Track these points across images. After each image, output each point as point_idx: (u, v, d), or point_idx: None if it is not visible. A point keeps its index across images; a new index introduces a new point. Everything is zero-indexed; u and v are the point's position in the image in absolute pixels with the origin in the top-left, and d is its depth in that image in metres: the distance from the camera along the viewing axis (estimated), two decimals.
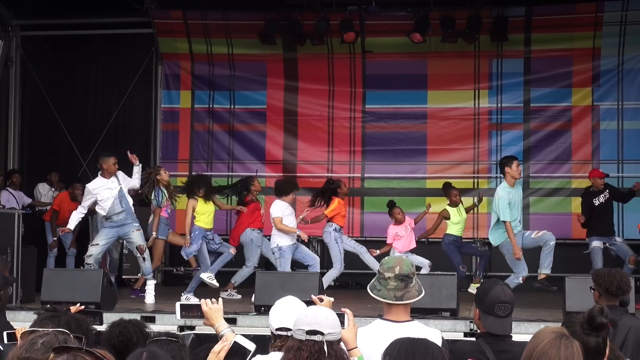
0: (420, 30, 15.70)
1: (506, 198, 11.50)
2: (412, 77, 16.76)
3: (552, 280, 13.38)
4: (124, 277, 15.43)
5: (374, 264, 12.92)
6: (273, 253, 12.90)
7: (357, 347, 4.35)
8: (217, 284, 12.83)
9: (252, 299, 12.06)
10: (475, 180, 16.46)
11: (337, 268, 13.20)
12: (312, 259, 12.96)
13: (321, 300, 4.77)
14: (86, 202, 12.52)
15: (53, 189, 16.18)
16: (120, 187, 12.42)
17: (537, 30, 16.30)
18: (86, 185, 12.78)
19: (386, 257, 5.25)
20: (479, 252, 14.76)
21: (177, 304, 4.41)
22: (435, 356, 4.00)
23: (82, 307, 5.43)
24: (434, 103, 16.73)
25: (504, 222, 11.46)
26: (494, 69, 16.62)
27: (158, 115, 17.46)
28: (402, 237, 13.35)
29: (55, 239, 14.85)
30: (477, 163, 16.50)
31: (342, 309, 4.45)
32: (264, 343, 4.93)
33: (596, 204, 13.66)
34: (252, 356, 3.29)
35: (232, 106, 17.20)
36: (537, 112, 16.46)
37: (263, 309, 10.19)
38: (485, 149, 16.55)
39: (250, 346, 3.28)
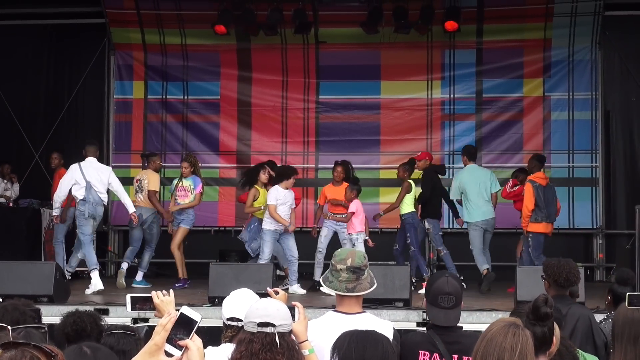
0: (373, 21, 15.75)
1: None
2: (366, 68, 16.79)
3: (504, 269, 13.56)
4: (76, 268, 15.31)
5: None
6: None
7: (307, 340, 4.38)
8: None
9: None
10: None
11: None
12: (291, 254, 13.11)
13: (276, 293, 4.80)
14: None
15: (5, 181, 16.01)
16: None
17: (488, 21, 16.41)
18: None
19: (339, 249, 5.29)
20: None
21: (128, 296, 4.38)
22: (385, 348, 4.05)
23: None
24: (387, 94, 16.78)
25: None
26: (446, 60, 16.70)
27: (111, 106, 17.32)
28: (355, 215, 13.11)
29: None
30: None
31: (293, 303, 4.48)
32: (217, 335, 4.95)
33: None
34: (198, 326, 3.32)
35: (186, 97, 17.13)
36: (489, 103, 16.59)
37: (217, 301, 10.18)
38: (438, 139, 16.65)
39: (197, 317, 3.30)
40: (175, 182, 13.97)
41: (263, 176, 13.50)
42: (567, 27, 16.19)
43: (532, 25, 16.34)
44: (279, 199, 12.96)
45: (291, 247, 13.10)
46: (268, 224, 13.02)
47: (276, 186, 13.11)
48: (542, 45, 16.40)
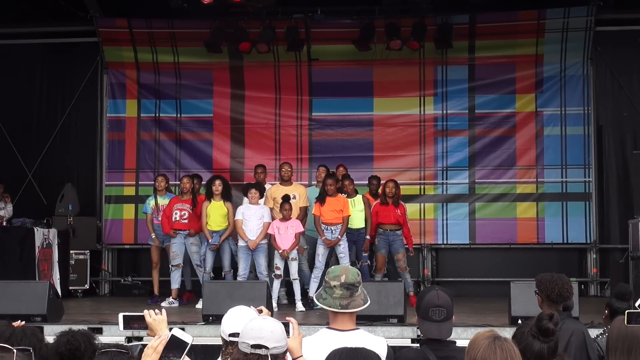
0: (365, 38, 15.79)
1: None
2: (358, 85, 16.82)
3: (498, 285, 13.54)
4: (70, 287, 15.31)
5: None
6: None
7: (302, 356, 4.36)
8: None
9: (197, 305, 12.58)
10: (422, 187, 16.55)
11: None
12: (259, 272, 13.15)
13: (260, 311, 4.78)
14: None
15: None
16: None
17: (480, 37, 16.46)
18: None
19: (333, 266, 5.28)
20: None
21: (120, 315, 4.36)
22: None
23: (23, 322, 5.39)
24: (380, 110, 16.80)
25: None
26: (438, 76, 16.73)
27: (104, 125, 17.30)
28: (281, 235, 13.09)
29: None
30: (423, 169, 16.60)
31: (287, 318, 4.46)
32: (212, 353, 4.93)
33: None
34: (189, 349, 3.31)
35: (179, 115, 17.13)
36: (481, 119, 16.62)
37: (211, 319, 10.16)
38: (431, 155, 16.66)
39: (188, 339, 3.29)
40: (151, 201, 14.12)
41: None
42: (558, 43, 16.25)
43: (524, 41, 16.39)
44: (244, 213, 13.22)
45: (260, 263, 13.14)
46: (239, 240, 13.26)
47: (245, 202, 13.44)
48: (534, 61, 16.45)
